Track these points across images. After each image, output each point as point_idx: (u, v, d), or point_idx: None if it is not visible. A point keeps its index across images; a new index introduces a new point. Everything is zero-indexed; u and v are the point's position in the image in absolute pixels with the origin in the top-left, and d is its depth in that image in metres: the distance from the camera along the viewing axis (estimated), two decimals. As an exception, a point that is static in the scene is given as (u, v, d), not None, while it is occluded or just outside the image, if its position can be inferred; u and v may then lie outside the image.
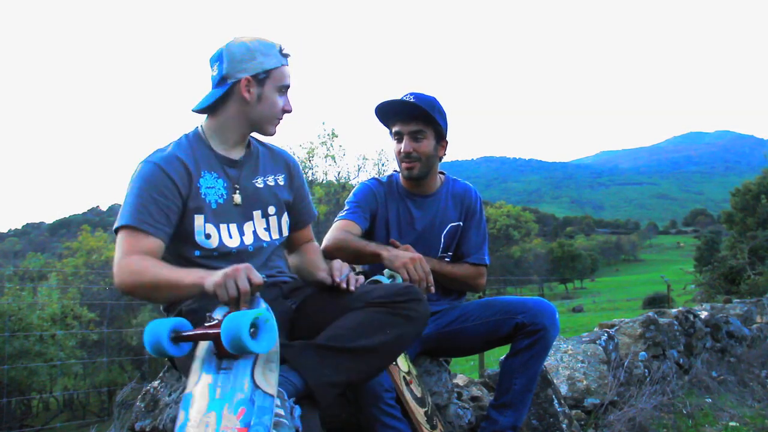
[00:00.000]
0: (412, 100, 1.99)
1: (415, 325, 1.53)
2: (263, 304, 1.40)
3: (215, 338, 1.27)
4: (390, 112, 2.07)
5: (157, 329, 1.29)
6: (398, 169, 2.16)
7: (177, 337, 1.31)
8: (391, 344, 1.49)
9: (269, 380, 1.28)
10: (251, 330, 1.21)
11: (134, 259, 1.47)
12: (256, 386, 1.26)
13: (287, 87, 1.66)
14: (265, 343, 1.24)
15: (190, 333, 1.32)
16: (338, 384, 1.42)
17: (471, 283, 2.19)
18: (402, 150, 2.05)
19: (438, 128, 2.05)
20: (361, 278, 1.67)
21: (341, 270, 1.66)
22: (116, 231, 1.54)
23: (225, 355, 1.30)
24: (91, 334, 12.16)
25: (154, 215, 1.52)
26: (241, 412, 1.22)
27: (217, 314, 1.35)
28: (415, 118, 2.02)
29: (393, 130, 2.08)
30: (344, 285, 1.61)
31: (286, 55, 1.64)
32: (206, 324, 1.33)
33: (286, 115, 1.69)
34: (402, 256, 1.79)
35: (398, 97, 2.02)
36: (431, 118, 2.01)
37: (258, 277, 1.35)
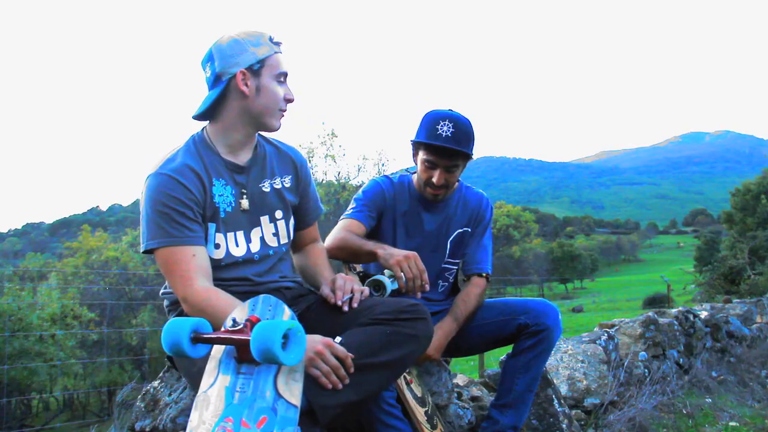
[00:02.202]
0: (451, 133, 1.91)
1: (419, 345, 1.52)
2: (288, 311, 1.36)
3: (241, 344, 1.22)
4: (427, 146, 1.98)
5: (177, 329, 1.23)
6: (408, 171, 2.14)
7: (197, 338, 1.26)
8: (394, 364, 1.48)
9: (293, 390, 1.23)
10: (282, 341, 1.17)
11: (200, 295, 1.46)
12: (279, 395, 1.22)
13: (285, 75, 1.59)
14: (294, 355, 1.20)
15: (213, 336, 1.26)
16: (340, 405, 1.40)
17: (481, 300, 2.12)
18: (435, 181, 1.98)
19: (470, 156, 2.00)
20: (366, 292, 1.65)
21: (344, 289, 1.62)
22: (150, 251, 1.50)
23: (246, 360, 1.25)
24: (91, 334, 12.16)
25: (191, 226, 1.50)
26: (262, 421, 1.17)
27: (239, 318, 1.31)
28: (454, 155, 1.96)
29: (425, 158, 1.99)
30: (345, 308, 1.58)
31: (277, 43, 1.58)
32: (228, 328, 1.27)
33: (287, 110, 1.64)
34: (396, 254, 1.76)
35: (437, 128, 1.92)
36: (469, 154, 1.97)
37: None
